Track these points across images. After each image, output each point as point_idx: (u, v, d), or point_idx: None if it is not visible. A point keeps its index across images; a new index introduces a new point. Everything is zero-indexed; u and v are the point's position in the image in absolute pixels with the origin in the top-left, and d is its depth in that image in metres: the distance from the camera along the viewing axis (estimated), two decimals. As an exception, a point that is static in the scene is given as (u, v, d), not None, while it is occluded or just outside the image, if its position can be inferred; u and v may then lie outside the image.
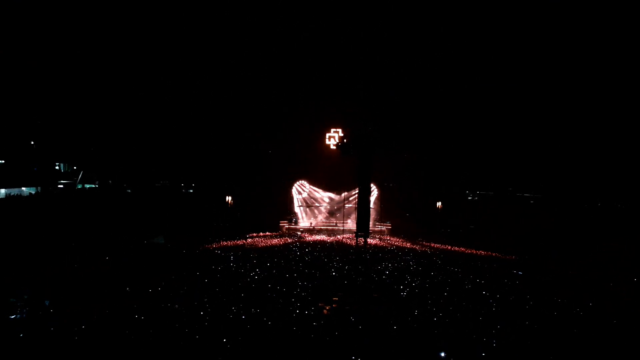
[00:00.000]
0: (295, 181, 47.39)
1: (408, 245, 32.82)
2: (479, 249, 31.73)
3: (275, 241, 32.91)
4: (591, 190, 37.44)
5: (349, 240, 33.90)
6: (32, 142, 34.75)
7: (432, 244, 33.66)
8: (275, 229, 42.15)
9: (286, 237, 36.01)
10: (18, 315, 13.59)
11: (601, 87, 35.79)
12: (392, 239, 37.03)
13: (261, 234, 38.56)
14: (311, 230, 42.48)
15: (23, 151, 33.97)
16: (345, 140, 33.85)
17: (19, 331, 12.06)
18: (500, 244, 32.62)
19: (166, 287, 17.36)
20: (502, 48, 37.18)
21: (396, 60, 39.32)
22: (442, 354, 11.09)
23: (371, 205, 40.48)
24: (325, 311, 15.08)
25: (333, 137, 43.16)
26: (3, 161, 32.84)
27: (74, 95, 35.27)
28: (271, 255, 25.41)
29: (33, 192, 34.07)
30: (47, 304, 14.78)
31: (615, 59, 34.33)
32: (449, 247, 32.10)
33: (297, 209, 47.17)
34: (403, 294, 17.26)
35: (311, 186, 47.77)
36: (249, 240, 33.19)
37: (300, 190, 47.34)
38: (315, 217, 47.06)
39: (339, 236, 37.64)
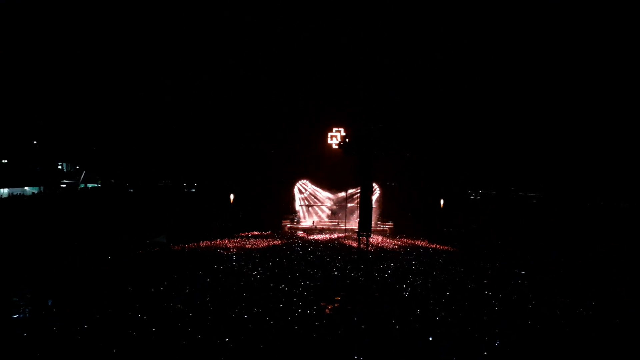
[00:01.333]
0: (297, 180, 47.42)
1: (410, 244, 32.78)
2: (478, 248, 31.64)
3: (277, 241, 32.94)
4: (594, 189, 37.33)
5: (351, 240, 33.90)
6: (35, 142, 34.83)
7: (434, 244, 33.59)
8: (277, 228, 42.18)
9: (288, 237, 36.05)
10: (21, 315, 13.65)
11: (603, 87, 35.68)
12: (394, 238, 36.99)
13: (263, 232, 38.60)
14: (313, 230, 42.52)
15: (26, 151, 34.03)
16: (347, 140, 33.83)
17: (22, 331, 12.11)
18: (502, 243, 32.59)
19: (168, 286, 17.39)
20: (504, 47, 37.08)
21: (397, 60, 39.25)
22: (445, 353, 11.09)
23: (373, 204, 40.57)
24: (327, 311, 15.09)
25: (335, 137, 43.16)
26: (6, 161, 32.92)
27: (76, 95, 35.34)
28: (273, 255, 25.44)
29: (36, 192, 34.16)
30: (49, 303, 14.85)
31: (616, 58, 34.22)
32: (451, 247, 32.05)
33: (298, 209, 47.19)
34: (405, 294, 17.27)
35: (313, 185, 47.77)
36: (251, 239, 33.21)
37: (302, 189, 47.36)
38: (318, 217, 47.10)
39: (341, 235, 37.65)
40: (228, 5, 35.71)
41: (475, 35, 36.86)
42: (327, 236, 37.20)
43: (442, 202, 40.96)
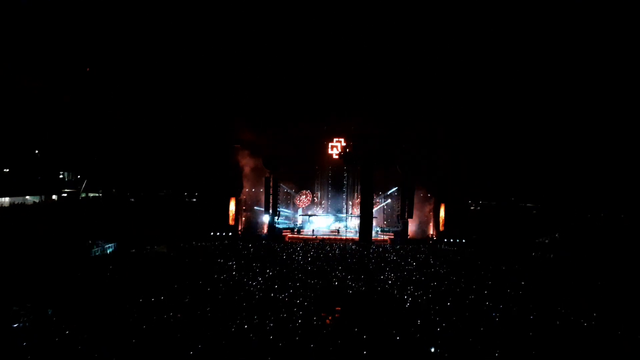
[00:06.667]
0: (298, 191, 47.45)
1: (411, 254, 32.65)
2: (479, 257, 31.59)
3: (277, 250, 32.82)
4: (594, 200, 37.43)
5: (351, 250, 33.80)
6: (37, 151, 34.96)
7: (435, 254, 33.45)
8: (278, 237, 42.05)
9: (289, 246, 35.93)
10: (20, 324, 13.59)
11: (603, 98, 35.98)
12: (394, 248, 36.85)
13: (264, 242, 38.51)
14: (314, 240, 42.35)
15: (27, 160, 34.13)
16: (347, 150, 34.08)
17: (21, 340, 12.07)
18: (502, 253, 32.59)
19: (169, 296, 17.33)
20: (505, 61, 37.38)
21: (398, 73, 39.59)
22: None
23: (374, 215, 40.57)
24: (328, 321, 15.05)
25: (335, 147, 43.46)
26: (7, 170, 33.00)
27: (78, 105, 35.60)
28: (273, 265, 25.36)
29: (37, 201, 34.22)
30: (49, 312, 14.81)
31: (619, 74, 34.55)
32: (452, 257, 31.94)
33: (300, 218, 47.13)
34: (406, 305, 17.21)
35: (314, 195, 47.81)
36: (252, 249, 33.14)
37: (304, 199, 47.33)
38: (318, 226, 46.96)
39: (341, 245, 37.53)
40: (225, 18, 36.32)
41: (476, 45, 37.16)
42: (328, 246, 37.06)
43: (442, 212, 40.99)
